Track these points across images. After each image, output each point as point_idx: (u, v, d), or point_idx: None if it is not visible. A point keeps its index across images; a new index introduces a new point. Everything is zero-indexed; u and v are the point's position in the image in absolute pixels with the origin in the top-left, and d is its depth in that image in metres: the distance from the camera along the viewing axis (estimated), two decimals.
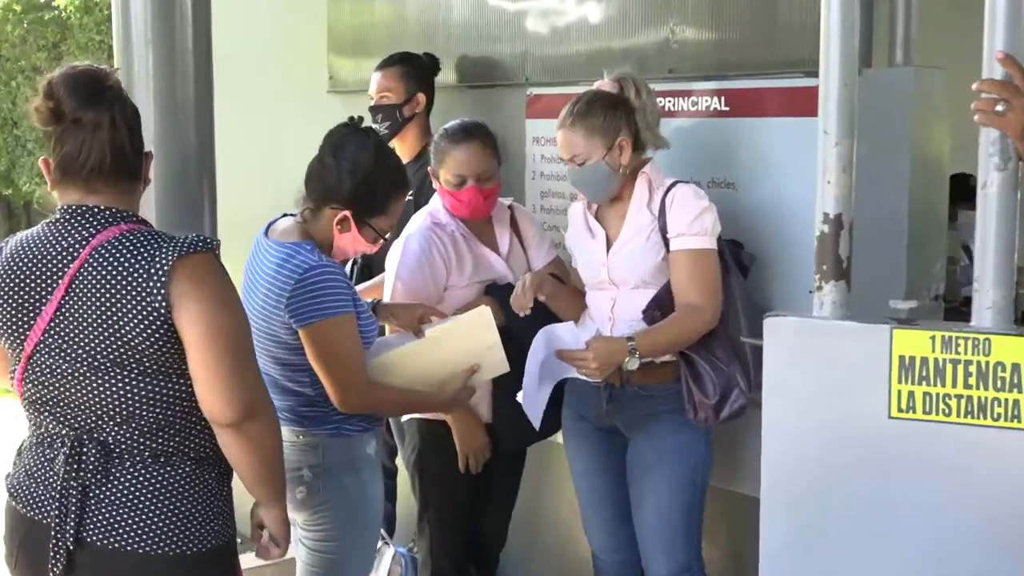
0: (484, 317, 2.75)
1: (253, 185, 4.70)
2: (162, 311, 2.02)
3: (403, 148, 3.78)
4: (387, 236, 2.72)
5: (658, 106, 2.97)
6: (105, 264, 2.05)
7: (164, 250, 2.05)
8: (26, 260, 2.10)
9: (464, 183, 3.12)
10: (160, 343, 2.05)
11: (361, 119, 2.70)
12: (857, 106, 2.32)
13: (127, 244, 2.06)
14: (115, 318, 2.03)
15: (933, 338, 2.16)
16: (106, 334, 2.04)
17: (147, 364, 2.06)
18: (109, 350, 2.05)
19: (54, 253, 2.08)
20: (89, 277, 2.04)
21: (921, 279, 2.87)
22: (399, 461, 3.55)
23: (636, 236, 2.89)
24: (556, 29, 3.64)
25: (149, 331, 2.03)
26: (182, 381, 2.09)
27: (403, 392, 2.74)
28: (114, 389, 2.06)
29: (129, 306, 2.03)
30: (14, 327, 2.11)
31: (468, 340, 2.76)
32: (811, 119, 2.85)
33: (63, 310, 2.06)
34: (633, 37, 3.39)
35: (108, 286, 2.04)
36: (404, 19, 4.16)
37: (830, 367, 2.25)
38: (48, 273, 2.08)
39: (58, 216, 2.12)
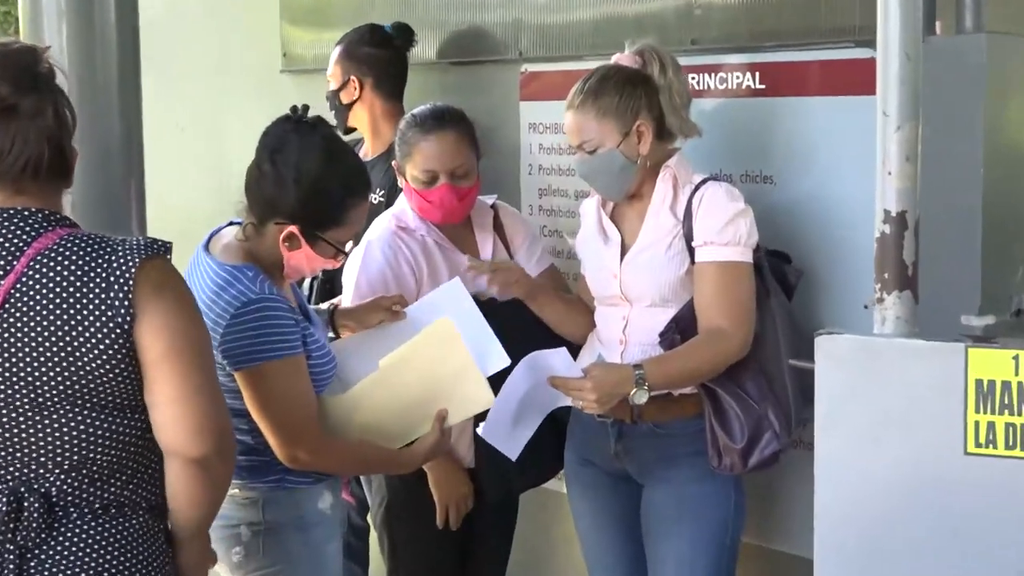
0: (445, 329, 2.71)
1: (190, 184, 4.69)
2: (125, 326, 2.03)
3: (376, 141, 3.80)
4: (348, 250, 2.72)
5: (688, 85, 2.97)
6: (52, 275, 2.03)
7: (121, 254, 2.05)
8: None
9: (435, 181, 3.13)
10: (120, 367, 2.04)
11: (306, 108, 2.68)
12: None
13: (75, 250, 2.05)
14: (68, 339, 2.02)
15: (1016, 358, 2.14)
16: (56, 360, 2.02)
17: (103, 396, 2.05)
18: (59, 381, 2.03)
19: None
20: (31, 293, 2.02)
21: (1000, 289, 2.85)
22: (371, 517, 3.54)
23: (655, 243, 2.89)
24: None
25: (110, 352, 2.03)
26: (137, 416, 2.09)
27: (364, 448, 2.72)
28: (64, 430, 2.05)
29: (86, 323, 2.02)
30: None
31: (433, 361, 2.72)
32: (865, 98, 2.83)
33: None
34: (649, 1, 3.41)
35: (59, 301, 2.02)
36: None
37: (894, 394, 2.23)
38: None
39: None
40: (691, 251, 2.85)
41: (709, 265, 2.82)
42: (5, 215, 2.07)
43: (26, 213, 2.07)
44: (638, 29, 3.34)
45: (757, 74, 3.13)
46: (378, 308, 2.96)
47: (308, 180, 2.58)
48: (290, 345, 2.56)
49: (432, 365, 2.72)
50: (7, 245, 2.05)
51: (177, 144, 4.76)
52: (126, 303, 2.03)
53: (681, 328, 2.85)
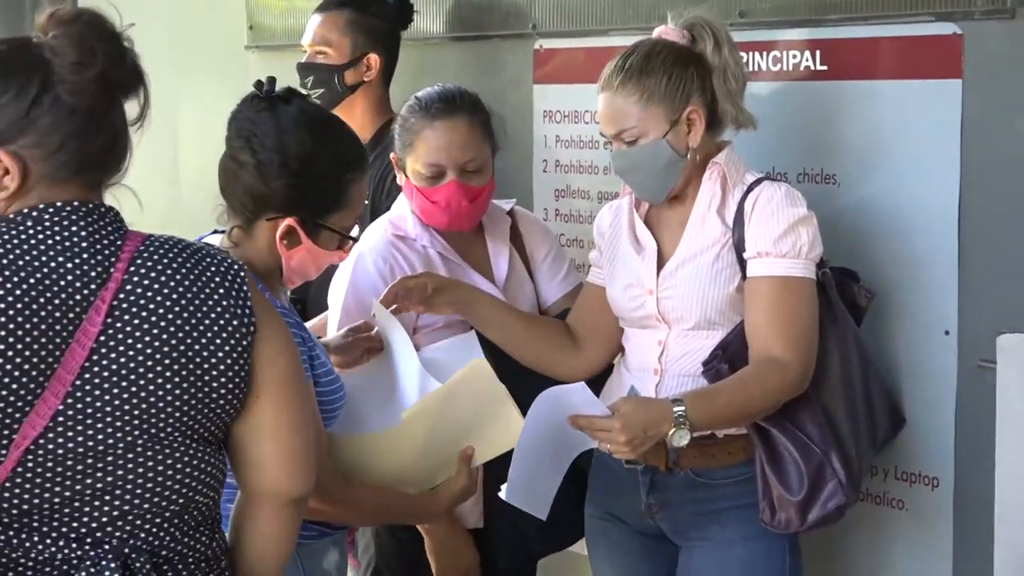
0: (479, 371, 2.73)
1: (135, 183, 4.67)
2: (250, 339, 2.08)
3: (361, 134, 3.78)
4: (357, 235, 2.72)
5: (744, 67, 2.98)
6: (164, 280, 2.03)
7: (220, 257, 2.11)
8: (25, 288, 1.95)
9: (441, 177, 3.12)
10: (238, 390, 2.09)
11: (273, 81, 2.68)
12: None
13: (171, 251, 2.07)
14: (191, 354, 2.03)
15: None
16: (175, 382, 2.02)
17: (210, 426, 2.08)
18: (176, 407, 2.03)
19: (76, 273, 1.99)
20: (141, 302, 2.01)
21: None
22: None
23: (700, 254, 2.89)
24: None
25: (233, 371, 2.07)
26: (223, 451, 2.16)
27: (382, 494, 2.75)
28: (178, 466, 2.05)
29: (210, 334, 2.05)
30: (11, 393, 1.95)
31: (465, 405, 2.75)
32: (947, 82, 2.92)
33: (98, 360, 1.99)
34: None
35: (178, 310, 2.03)
36: None
37: None
38: (67, 304, 1.98)
39: (52, 217, 2.02)
40: (742, 264, 2.85)
41: (763, 280, 2.81)
42: (89, 210, 2.04)
43: (103, 210, 2.07)
44: None
45: (818, 52, 3.14)
46: (354, 352, 2.95)
47: (296, 161, 2.59)
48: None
49: (463, 409, 2.75)
50: (99, 247, 2.02)
51: None
52: (247, 311, 2.08)
53: (728, 356, 2.85)
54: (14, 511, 1.97)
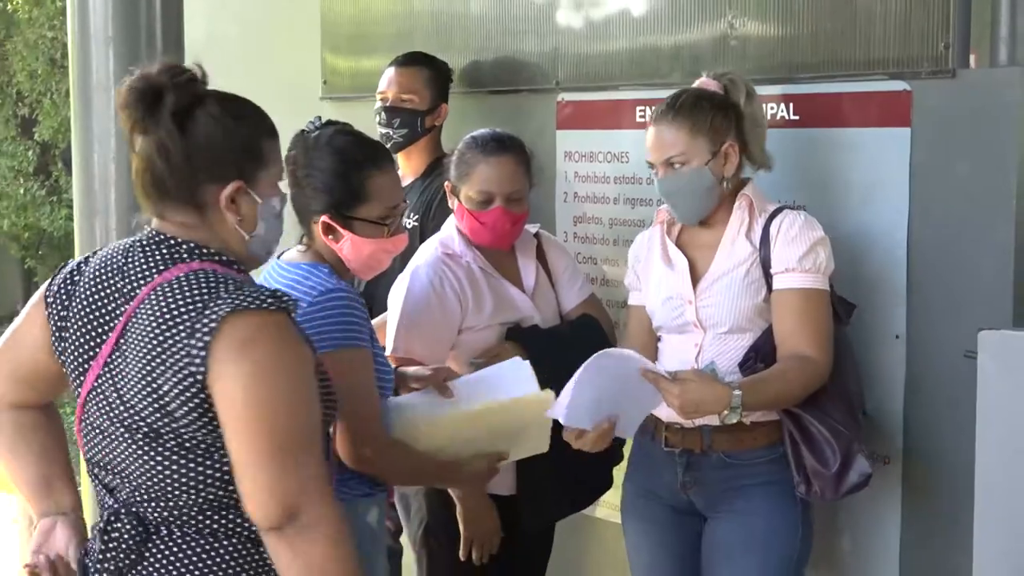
0: (545, 402, 2.78)
1: None
2: (199, 377, 2.03)
3: (408, 164, 3.92)
4: (392, 223, 2.78)
5: (765, 118, 3.05)
6: (154, 311, 2.07)
7: (219, 302, 2.04)
8: (103, 285, 2.13)
9: (490, 202, 3.23)
10: (199, 414, 2.05)
11: (319, 119, 2.83)
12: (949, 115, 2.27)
13: (182, 289, 2.07)
14: (152, 377, 2.06)
15: None
16: (144, 395, 2.07)
17: (186, 438, 2.07)
18: (146, 415, 2.08)
19: (118, 286, 2.12)
20: (140, 324, 2.08)
21: None
22: (404, 539, 3.58)
23: (733, 270, 2.95)
24: (592, 23, 3.74)
25: (185, 397, 2.04)
26: (227, 460, 2.07)
27: (421, 459, 2.80)
28: (150, 464, 2.09)
29: (167, 365, 2.04)
30: (75, 365, 2.16)
31: (519, 419, 2.84)
32: (900, 130, 2.96)
33: (116, 357, 2.10)
34: (684, 32, 3.49)
35: (150, 338, 2.06)
36: (413, 11, 4.29)
37: None
38: (113, 308, 2.12)
39: (143, 238, 2.16)
40: (768, 279, 2.91)
41: (791, 292, 2.87)
42: (148, 240, 2.15)
43: (172, 241, 2.13)
44: (674, 60, 3.46)
45: (791, 105, 3.21)
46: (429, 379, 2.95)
47: (319, 170, 2.75)
48: (362, 337, 2.68)
49: (517, 421, 2.84)
50: (138, 272, 2.12)
51: None
52: (202, 354, 2.02)
53: (761, 357, 2.90)
54: (87, 455, 2.19)
